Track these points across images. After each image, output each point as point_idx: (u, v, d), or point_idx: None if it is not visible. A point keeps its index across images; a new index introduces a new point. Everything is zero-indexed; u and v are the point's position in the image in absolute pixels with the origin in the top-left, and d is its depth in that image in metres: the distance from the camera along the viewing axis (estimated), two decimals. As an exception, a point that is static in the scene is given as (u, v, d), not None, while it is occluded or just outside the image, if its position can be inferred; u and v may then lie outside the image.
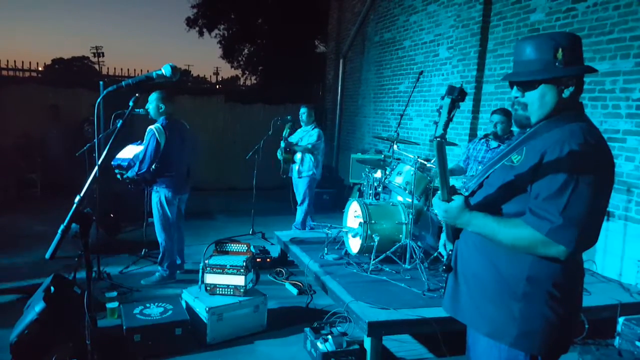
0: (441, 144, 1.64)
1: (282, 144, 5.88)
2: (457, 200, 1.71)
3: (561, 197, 1.53)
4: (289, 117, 5.93)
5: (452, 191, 1.74)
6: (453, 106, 1.64)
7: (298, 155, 5.86)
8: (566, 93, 1.66)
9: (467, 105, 6.20)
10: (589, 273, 4.23)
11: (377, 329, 3.07)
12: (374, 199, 4.84)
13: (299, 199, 5.95)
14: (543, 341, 1.65)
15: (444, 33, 6.92)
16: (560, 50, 1.61)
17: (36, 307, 2.91)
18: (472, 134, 6.13)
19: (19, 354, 2.85)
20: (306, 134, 5.90)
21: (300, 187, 5.90)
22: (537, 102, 1.69)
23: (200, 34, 18.81)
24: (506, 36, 5.69)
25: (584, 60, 1.70)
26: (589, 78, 4.62)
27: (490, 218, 1.67)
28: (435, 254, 4.23)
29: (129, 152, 4.45)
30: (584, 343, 3.55)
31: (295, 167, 5.91)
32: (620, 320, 3.60)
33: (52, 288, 3.08)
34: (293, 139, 5.99)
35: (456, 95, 1.63)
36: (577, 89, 1.67)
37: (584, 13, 4.66)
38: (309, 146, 5.75)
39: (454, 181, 4.81)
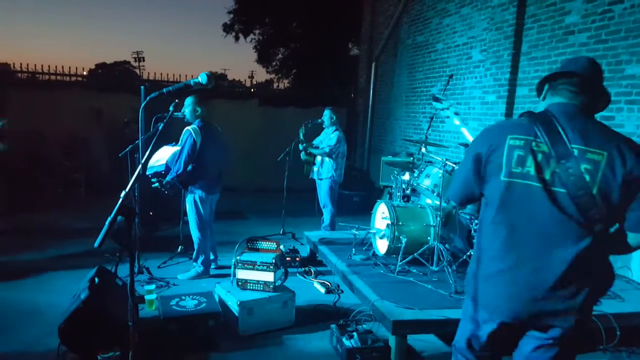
0: None
1: (301, 146, 6.00)
2: None
3: None
4: (319, 120, 6.04)
5: None
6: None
7: (318, 158, 5.96)
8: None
9: (499, 108, 6.17)
10: (623, 280, 4.15)
11: (402, 328, 3.14)
12: (402, 201, 4.89)
13: (321, 201, 6.04)
14: None
15: (477, 36, 6.90)
16: None
17: (82, 295, 3.12)
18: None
19: (66, 339, 3.06)
20: (327, 137, 5.98)
21: (321, 190, 6.00)
22: None
23: (236, 38, 19.22)
24: (540, 39, 5.64)
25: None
26: (626, 81, 4.55)
27: None
28: (464, 257, 4.25)
29: (163, 153, 4.66)
30: (615, 350, 3.50)
31: (315, 169, 6.02)
32: (654, 328, 3.54)
33: (96, 279, 3.29)
34: (316, 140, 6.10)
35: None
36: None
37: (620, 15, 4.59)
38: (327, 150, 5.81)
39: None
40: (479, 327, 1.98)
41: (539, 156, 1.79)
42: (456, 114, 3.35)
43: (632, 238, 1.80)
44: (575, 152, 1.74)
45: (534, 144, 1.80)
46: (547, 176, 1.78)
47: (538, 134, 1.80)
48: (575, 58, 2.00)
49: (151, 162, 4.62)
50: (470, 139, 3.19)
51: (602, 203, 1.72)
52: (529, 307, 1.84)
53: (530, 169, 1.80)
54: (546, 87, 1.97)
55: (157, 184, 4.52)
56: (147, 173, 4.58)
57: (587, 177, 1.72)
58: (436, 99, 3.58)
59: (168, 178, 4.45)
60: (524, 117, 1.91)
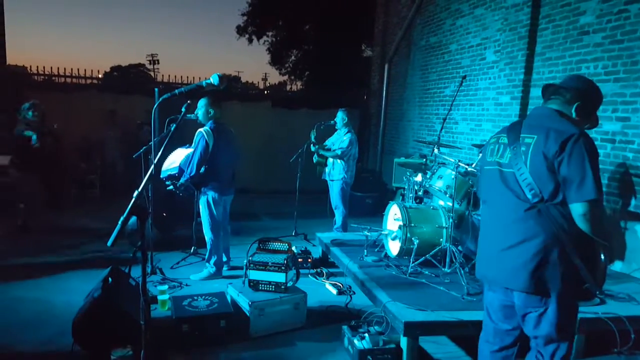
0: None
1: (313, 148, 6.01)
2: None
3: None
4: (331, 121, 6.04)
5: None
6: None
7: (330, 160, 5.97)
8: None
9: (514, 109, 6.12)
10: (637, 282, 4.09)
11: (413, 329, 3.12)
12: (414, 202, 4.87)
13: (333, 202, 6.05)
14: None
15: (490, 36, 6.85)
16: None
17: (95, 295, 3.16)
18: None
19: (79, 337, 3.10)
20: (339, 139, 5.97)
21: (333, 191, 6.00)
22: None
23: (250, 41, 19.36)
24: (555, 39, 5.58)
25: None
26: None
27: None
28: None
29: (177, 156, 4.70)
30: (630, 353, 3.44)
31: (327, 170, 6.02)
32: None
33: (109, 279, 3.33)
34: (328, 142, 6.11)
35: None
36: None
37: (636, 15, 4.52)
38: (338, 152, 5.81)
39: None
40: (489, 299, 2.49)
41: (501, 147, 2.32)
42: None
43: (572, 210, 2.08)
44: (520, 139, 2.20)
45: (501, 138, 2.35)
46: (505, 160, 2.26)
47: (505, 130, 2.34)
48: (570, 75, 2.46)
49: (165, 166, 4.66)
50: None
51: (535, 177, 2.10)
52: (486, 269, 2.38)
53: (495, 157, 2.35)
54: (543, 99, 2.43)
55: (171, 187, 4.56)
56: (161, 176, 4.63)
57: (523, 157, 2.15)
58: None
59: (182, 180, 4.48)
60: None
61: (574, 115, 2.23)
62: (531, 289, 2.16)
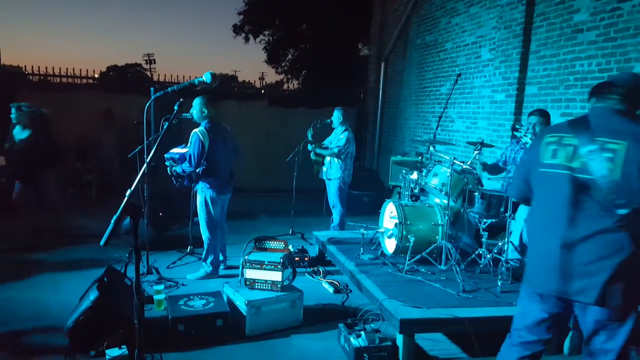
0: None
1: (309, 147, 6.01)
2: None
3: None
4: (328, 120, 6.04)
5: None
6: None
7: (327, 158, 5.97)
8: None
9: (509, 106, 6.13)
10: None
11: (409, 327, 3.14)
12: (410, 200, 4.88)
13: (330, 201, 6.05)
14: None
15: (486, 35, 6.86)
16: None
17: (90, 295, 3.16)
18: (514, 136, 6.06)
19: (74, 339, 3.11)
20: (336, 137, 5.98)
21: (330, 190, 6.00)
22: None
23: (246, 40, 19.28)
24: (549, 37, 5.59)
25: None
26: None
27: None
28: (474, 256, 4.24)
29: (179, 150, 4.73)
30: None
31: (324, 169, 6.03)
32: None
33: (105, 279, 3.33)
34: (326, 141, 6.11)
35: None
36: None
37: (629, 12, 4.53)
38: (335, 150, 5.81)
39: (491, 182, 4.80)
40: (531, 305, 2.29)
41: (568, 149, 2.12)
42: (531, 139, 3.52)
43: None
44: (598, 144, 2.02)
45: (565, 139, 2.15)
46: (577, 165, 2.08)
47: (570, 130, 2.15)
48: (621, 73, 2.39)
49: (173, 150, 4.74)
50: None
51: (624, 187, 1.95)
52: (559, 281, 2.13)
53: (562, 159, 2.14)
54: (593, 99, 2.27)
55: (169, 169, 4.65)
56: (165, 155, 4.70)
57: (609, 165, 1.98)
58: (515, 129, 3.76)
59: (177, 168, 4.53)
60: (566, 120, 2.30)
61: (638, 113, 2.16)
62: (615, 303, 2.04)
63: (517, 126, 3.77)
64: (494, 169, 4.59)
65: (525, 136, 3.51)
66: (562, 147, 2.15)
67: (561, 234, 2.11)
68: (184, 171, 4.50)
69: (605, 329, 2.10)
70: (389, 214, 4.62)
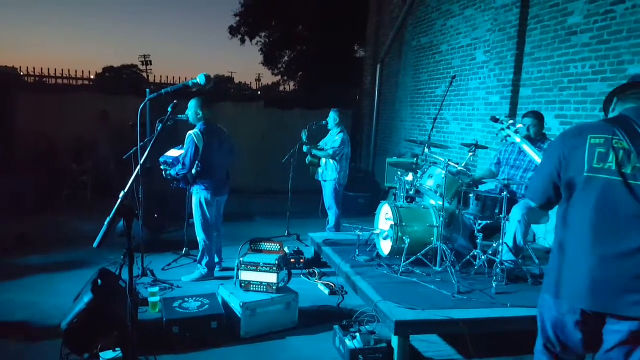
0: None
1: (305, 148, 6.02)
2: None
3: None
4: (324, 122, 6.05)
5: None
6: None
7: (323, 160, 5.97)
8: None
9: (503, 109, 6.16)
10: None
11: (404, 328, 3.14)
12: (405, 201, 4.89)
13: (326, 203, 6.05)
14: None
15: (481, 37, 6.89)
16: None
17: (85, 298, 3.15)
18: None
19: (69, 341, 3.10)
20: (331, 139, 5.98)
21: (326, 192, 6.00)
22: None
23: (242, 41, 19.29)
24: (543, 39, 5.62)
25: None
26: None
27: None
28: (469, 257, 4.25)
29: (173, 153, 4.72)
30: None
31: (320, 170, 6.03)
32: None
33: (99, 281, 3.32)
34: (322, 142, 6.12)
35: None
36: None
37: (622, 15, 4.57)
38: (330, 152, 5.80)
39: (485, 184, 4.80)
40: (563, 319, 2.03)
41: (620, 153, 1.91)
42: (516, 132, 3.40)
43: None
44: None
45: (614, 141, 1.93)
46: (629, 170, 1.90)
47: (617, 132, 1.93)
48: None
49: (167, 153, 4.73)
50: (532, 154, 3.20)
51: None
52: (611, 296, 1.90)
53: (612, 164, 1.93)
54: (615, 99, 2.13)
55: (164, 173, 4.64)
56: (159, 159, 4.70)
57: None
58: (495, 120, 3.64)
59: (171, 172, 4.52)
60: (601, 120, 2.07)
61: None
62: None
63: (497, 117, 3.68)
64: (485, 177, 4.65)
65: (509, 128, 3.44)
66: (608, 150, 1.94)
67: (610, 246, 1.92)
68: (177, 174, 4.50)
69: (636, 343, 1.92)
70: (385, 216, 4.63)
